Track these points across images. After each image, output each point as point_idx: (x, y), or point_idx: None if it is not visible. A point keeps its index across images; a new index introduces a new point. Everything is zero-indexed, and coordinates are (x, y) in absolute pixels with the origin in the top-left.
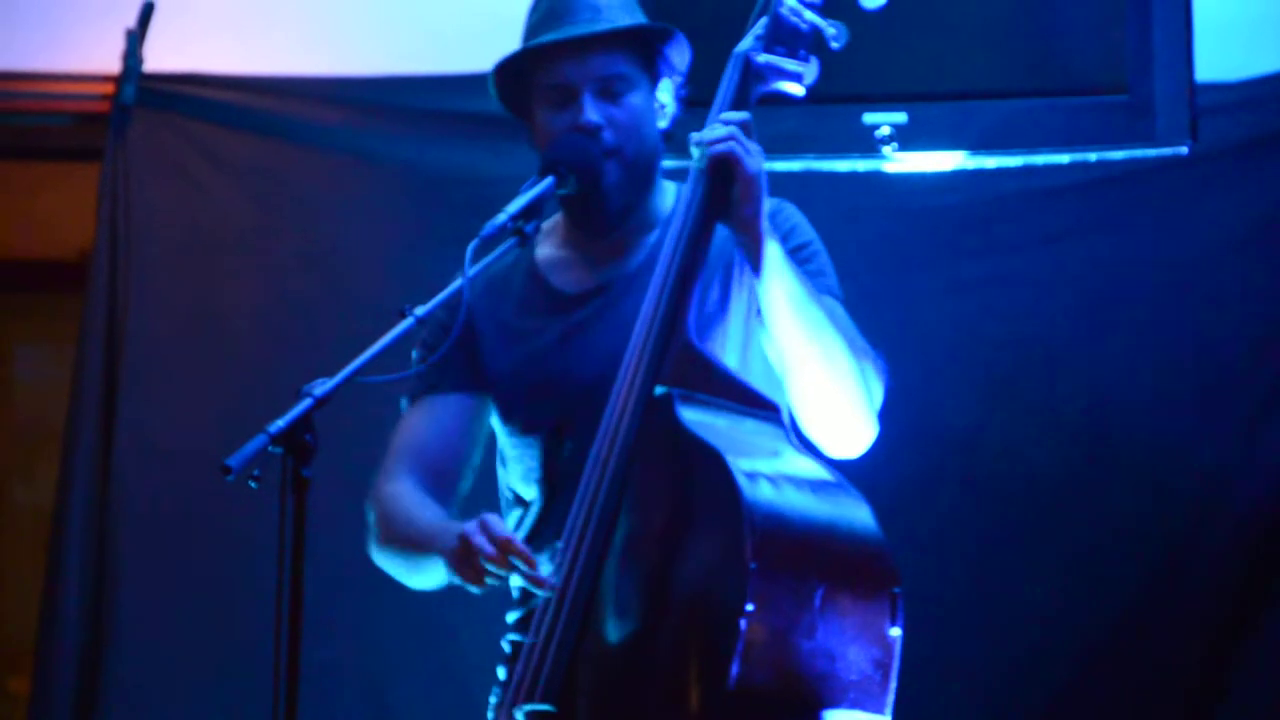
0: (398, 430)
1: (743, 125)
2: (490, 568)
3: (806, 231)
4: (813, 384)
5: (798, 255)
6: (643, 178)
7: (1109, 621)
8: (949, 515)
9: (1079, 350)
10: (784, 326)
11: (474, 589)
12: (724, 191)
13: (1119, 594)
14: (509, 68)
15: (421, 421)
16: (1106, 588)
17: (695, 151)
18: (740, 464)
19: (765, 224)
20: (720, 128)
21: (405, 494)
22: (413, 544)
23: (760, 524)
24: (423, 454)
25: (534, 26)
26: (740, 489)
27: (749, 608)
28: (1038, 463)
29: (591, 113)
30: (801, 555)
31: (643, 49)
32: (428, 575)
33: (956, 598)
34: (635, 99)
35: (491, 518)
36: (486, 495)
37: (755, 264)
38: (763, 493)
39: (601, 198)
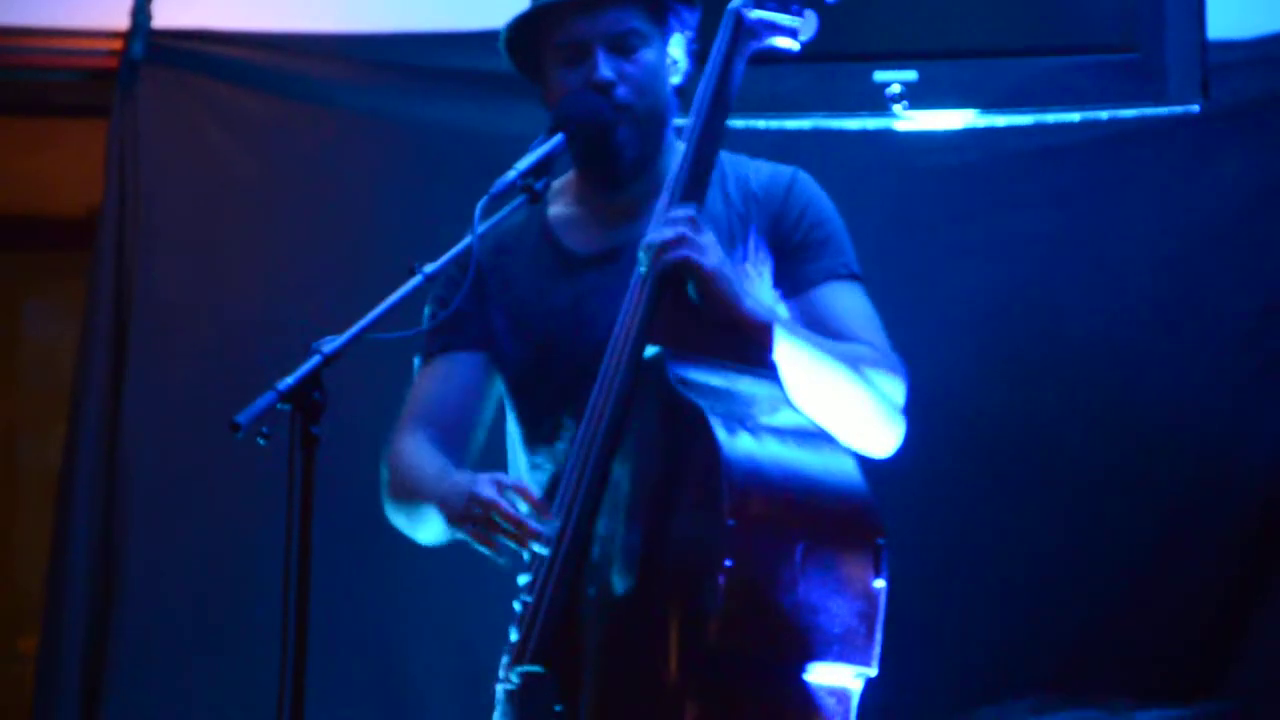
0: (412, 389)
1: (689, 221)
2: (501, 523)
3: (821, 207)
4: (839, 427)
5: (813, 236)
6: (655, 134)
7: (1116, 584)
8: (953, 477)
9: (1088, 310)
10: (801, 393)
11: (479, 547)
12: (681, 294)
13: (1126, 556)
14: (520, 28)
15: (435, 380)
16: (1113, 549)
17: (642, 256)
18: (723, 420)
19: (748, 304)
20: (667, 229)
21: (416, 448)
22: (416, 494)
23: (739, 481)
24: (436, 412)
25: None
26: (720, 446)
27: (728, 564)
28: (1044, 424)
29: (605, 69)
30: (781, 511)
31: (654, 4)
32: (429, 527)
33: (962, 559)
34: (648, 55)
35: (503, 475)
36: (499, 451)
37: (758, 356)
38: (741, 447)
39: (614, 153)
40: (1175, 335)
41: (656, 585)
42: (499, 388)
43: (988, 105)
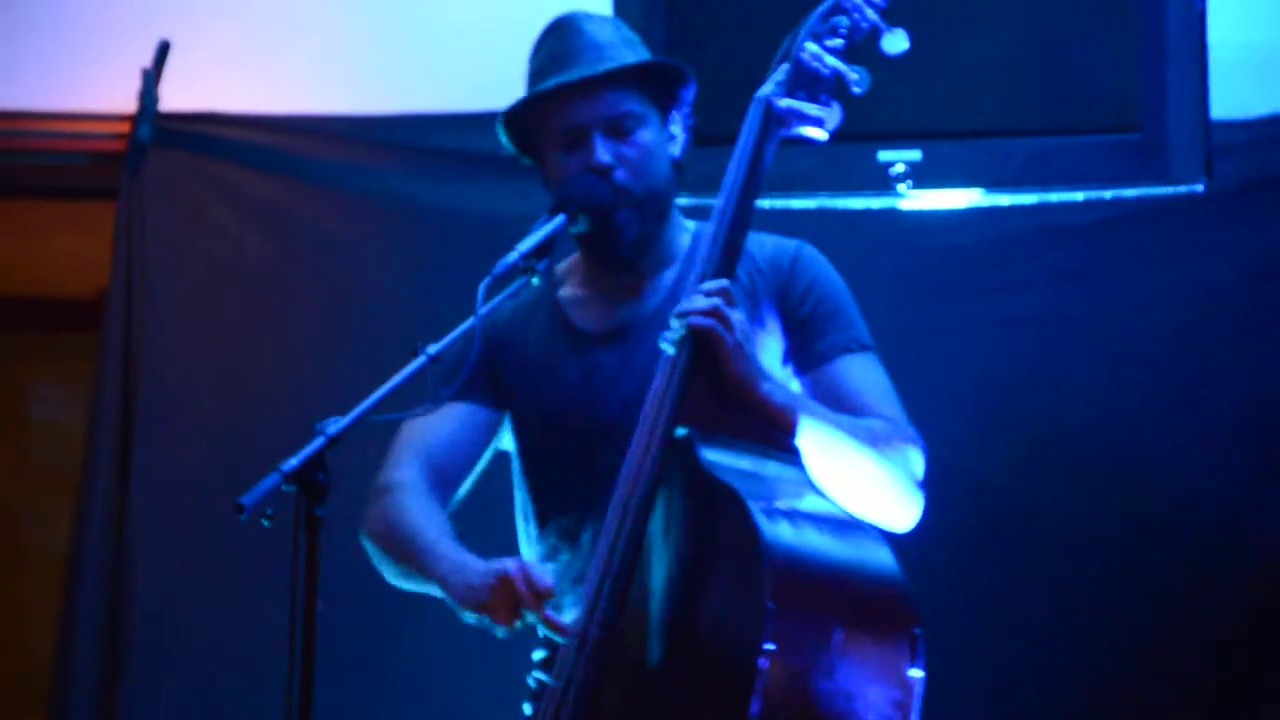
0: (408, 424)
1: (723, 294)
2: (521, 613)
3: (829, 280)
4: (861, 505)
5: (821, 309)
6: (657, 213)
7: (1124, 660)
8: (960, 553)
9: (1093, 388)
10: (824, 474)
11: (500, 631)
12: (711, 373)
13: (1134, 633)
14: (517, 114)
15: (433, 421)
16: (1121, 627)
17: (675, 323)
18: (760, 504)
19: (765, 387)
20: (701, 299)
21: (411, 490)
22: (414, 558)
23: (780, 564)
24: (429, 452)
25: (538, 71)
26: (760, 529)
27: (768, 647)
28: (1051, 501)
29: (601, 153)
30: (821, 595)
31: (650, 83)
32: (415, 586)
33: (971, 636)
34: (645, 135)
35: (533, 564)
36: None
37: (782, 440)
38: (782, 533)
39: (615, 234)
40: (1179, 413)
41: (691, 666)
42: (494, 446)
43: (992, 185)
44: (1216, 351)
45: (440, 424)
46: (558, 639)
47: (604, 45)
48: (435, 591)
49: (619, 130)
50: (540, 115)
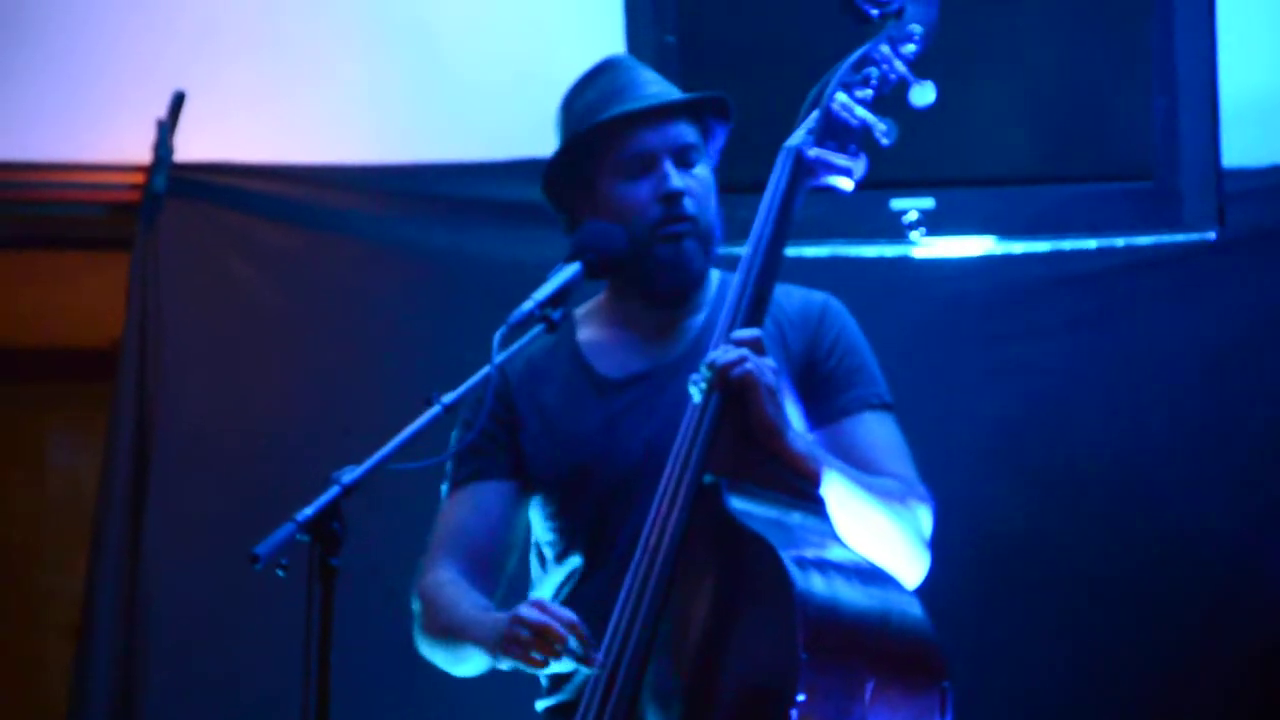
0: (439, 518)
1: (755, 343)
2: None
3: (853, 334)
4: (869, 554)
5: (846, 364)
6: (711, 249)
7: (1139, 702)
8: (973, 598)
9: (1105, 435)
10: (841, 527)
11: (525, 668)
12: (739, 420)
13: (1148, 675)
14: (581, 141)
15: (464, 509)
16: (1135, 670)
17: (703, 373)
18: (792, 554)
19: (790, 436)
20: (732, 350)
21: (448, 583)
22: (454, 633)
23: (813, 615)
24: (466, 542)
25: (594, 105)
26: (793, 579)
27: (800, 698)
28: (1064, 546)
29: (677, 179)
30: (852, 647)
31: (702, 123)
32: (469, 664)
33: (985, 681)
34: (703, 170)
35: (544, 600)
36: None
37: (804, 489)
38: (815, 584)
39: (684, 265)
40: (1191, 458)
41: (720, 716)
42: (526, 516)
43: (1005, 233)
44: (1228, 397)
45: (469, 513)
46: (582, 670)
47: (658, 82)
48: (482, 661)
49: (684, 161)
50: (601, 145)
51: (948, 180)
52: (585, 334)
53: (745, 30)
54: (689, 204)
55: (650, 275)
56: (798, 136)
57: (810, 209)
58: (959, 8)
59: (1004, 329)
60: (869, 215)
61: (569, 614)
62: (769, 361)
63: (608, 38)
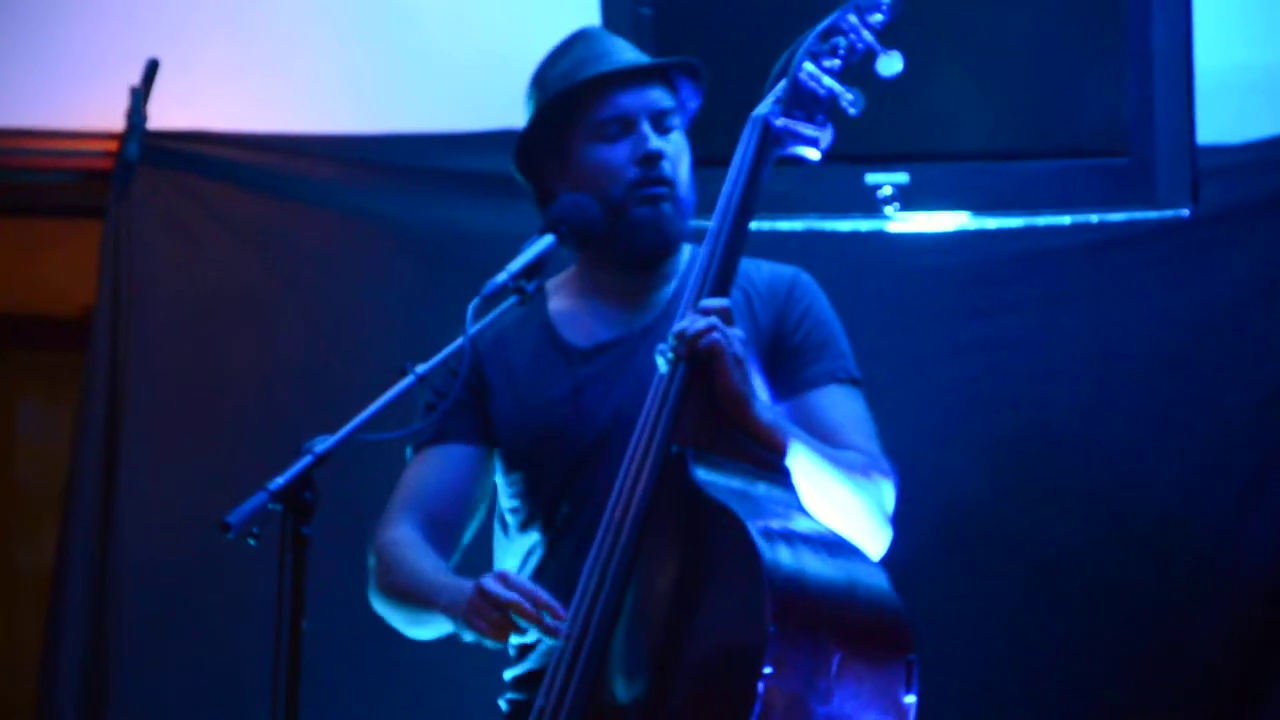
0: (402, 477)
1: (723, 313)
2: (514, 617)
3: (822, 308)
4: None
5: (813, 337)
6: (688, 214)
7: (1113, 681)
8: (945, 575)
9: (1080, 412)
10: (806, 498)
11: (488, 643)
12: (706, 390)
13: (1122, 654)
14: (557, 103)
15: (426, 470)
16: (1109, 648)
17: (671, 340)
18: (758, 525)
19: (757, 406)
20: (699, 319)
21: (407, 542)
22: (414, 597)
23: (780, 586)
24: (426, 502)
25: (571, 70)
26: (760, 552)
27: (768, 670)
28: (1037, 523)
29: (657, 140)
30: (820, 619)
31: (675, 94)
32: (427, 628)
33: (956, 659)
34: (678, 136)
35: (508, 572)
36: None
37: (769, 460)
38: (781, 555)
39: (664, 227)
40: (1165, 435)
41: (681, 688)
42: (492, 483)
43: (979, 208)
44: (1203, 375)
45: (432, 473)
46: (549, 641)
47: (632, 49)
48: (445, 625)
49: (661, 126)
50: (577, 109)
51: (922, 155)
52: (556, 304)
53: (721, 3)
54: (667, 166)
55: (627, 238)
56: (765, 106)
57: (785, 182)
58: None
59: (977, 304)
60: (843, 189)
61: (535, 589)
62: (737, 331)
63: (583, 8)
